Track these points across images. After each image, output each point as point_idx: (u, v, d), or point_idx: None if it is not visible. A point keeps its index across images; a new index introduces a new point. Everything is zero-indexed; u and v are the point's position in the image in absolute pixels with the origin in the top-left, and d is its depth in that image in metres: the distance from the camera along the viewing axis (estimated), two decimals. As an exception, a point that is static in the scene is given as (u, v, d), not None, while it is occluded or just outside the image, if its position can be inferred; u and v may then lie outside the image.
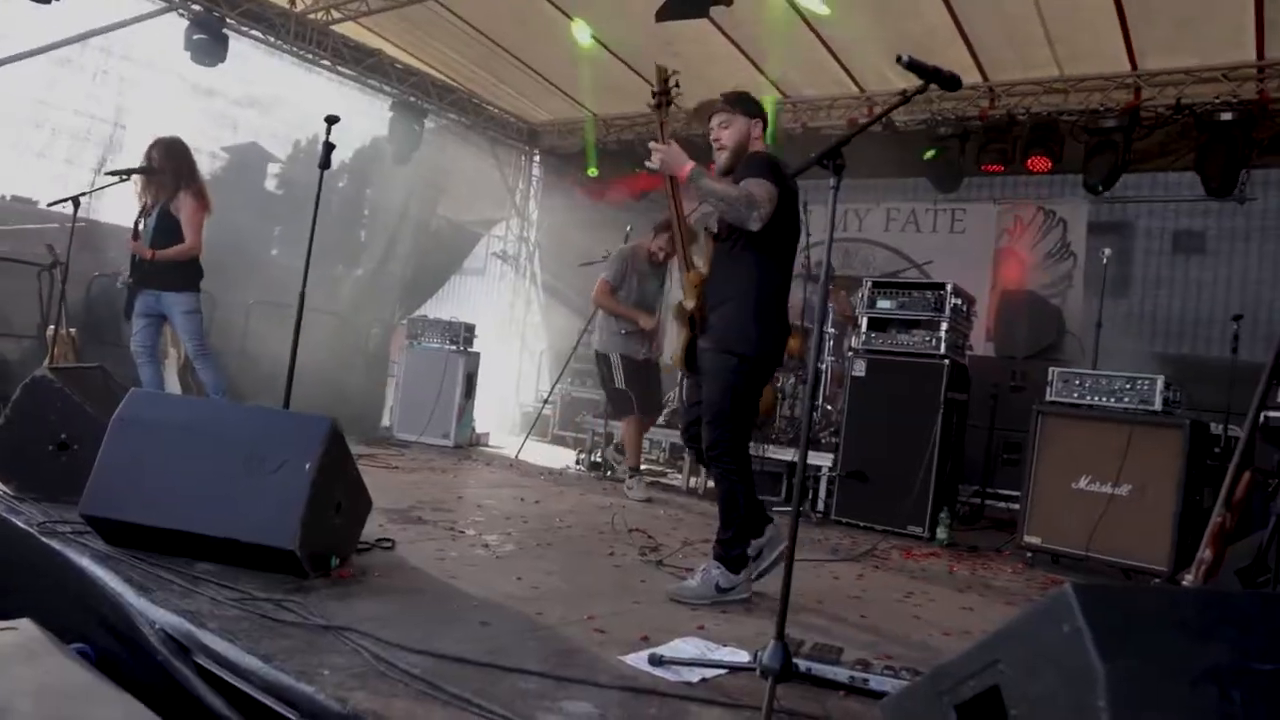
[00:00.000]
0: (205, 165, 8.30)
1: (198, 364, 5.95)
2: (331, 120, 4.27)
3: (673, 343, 4.52)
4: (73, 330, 6.35)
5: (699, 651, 2.70)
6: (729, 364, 3.43)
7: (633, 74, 8.64)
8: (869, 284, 6.24)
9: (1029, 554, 5.21)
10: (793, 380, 7.24)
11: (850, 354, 6.31)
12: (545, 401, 8.92)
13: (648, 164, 3.48)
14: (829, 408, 7.41)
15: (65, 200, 5.43)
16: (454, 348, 8.27)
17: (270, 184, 8.98)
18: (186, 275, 5.82)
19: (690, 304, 3.66)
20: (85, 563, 2.82)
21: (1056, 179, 7.92)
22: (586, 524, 4.97)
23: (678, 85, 3.83)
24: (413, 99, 9.26)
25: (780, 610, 2.29)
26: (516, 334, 10.97)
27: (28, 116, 7.03)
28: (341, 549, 3.23)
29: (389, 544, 3.68)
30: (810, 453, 6.57)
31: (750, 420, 3.59)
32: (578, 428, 8.91)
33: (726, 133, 3.53)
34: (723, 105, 3.57)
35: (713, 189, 3.30)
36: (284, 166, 8.81)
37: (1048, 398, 5.30)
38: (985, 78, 7.89)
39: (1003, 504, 7.14)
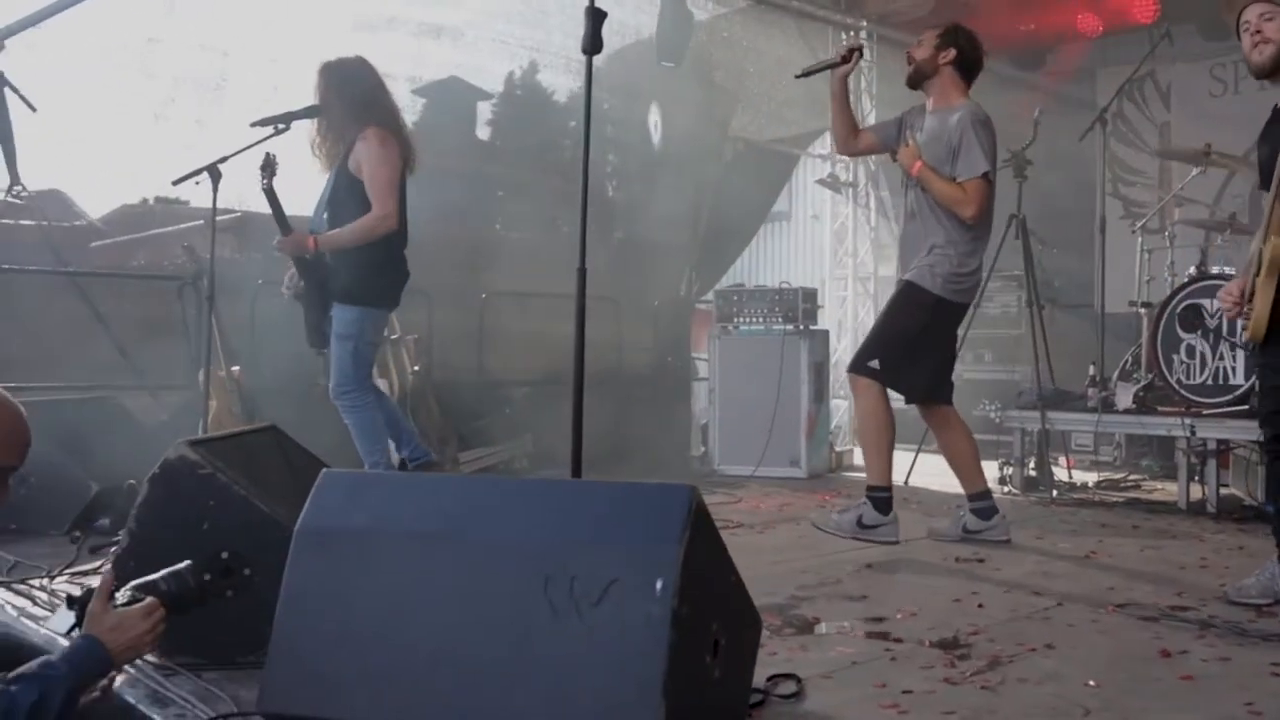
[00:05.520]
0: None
1: (340, 406, 3.71)
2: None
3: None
4: (235, 370, 4.30)
5: None
6: None
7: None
8: None
9: None
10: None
11: None
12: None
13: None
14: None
15: (196, 173, 3.61)
16: (790, 327, 5.78)
17: (482, 132, 6.85)
18: (364, 278, 3.59)
19: None
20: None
21: None
22: (1084, 595, 2.98)
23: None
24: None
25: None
26: (865, 291, 8.17)
27: (136, 63, 4.80)
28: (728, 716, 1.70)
29: (793, 688, 2.04)
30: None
31: None
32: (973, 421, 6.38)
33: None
34: None
35: None
36: (497, 108, 6.79)
37: None
38: None
39: None
